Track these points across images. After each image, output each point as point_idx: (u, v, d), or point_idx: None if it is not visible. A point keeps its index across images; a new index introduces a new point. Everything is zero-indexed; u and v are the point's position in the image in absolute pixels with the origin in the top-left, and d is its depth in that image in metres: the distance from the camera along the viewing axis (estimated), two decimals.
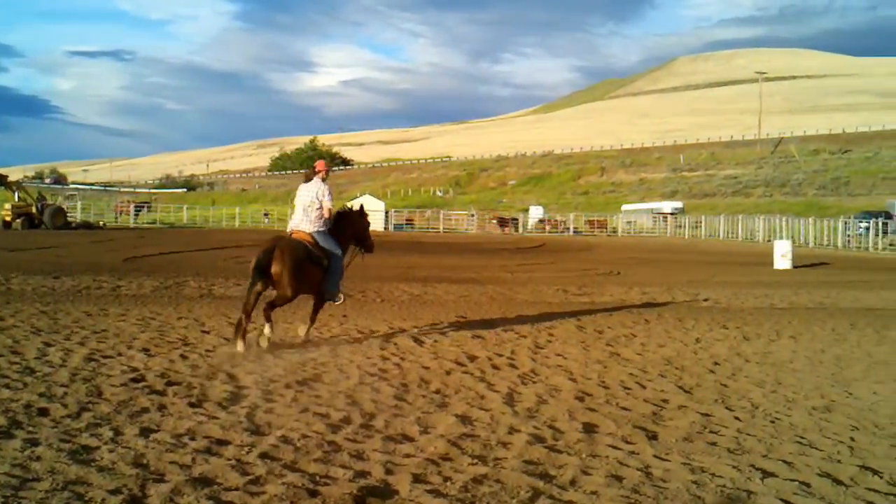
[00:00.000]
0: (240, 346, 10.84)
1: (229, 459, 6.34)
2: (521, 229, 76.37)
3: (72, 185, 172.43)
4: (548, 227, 76.78)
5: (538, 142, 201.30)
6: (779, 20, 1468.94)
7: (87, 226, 59.32)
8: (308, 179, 12.25)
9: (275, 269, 11.11)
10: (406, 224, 78.71)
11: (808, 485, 6.28)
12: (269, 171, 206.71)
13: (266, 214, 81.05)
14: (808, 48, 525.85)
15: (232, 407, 7.94)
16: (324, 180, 12.14)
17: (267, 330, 11.29)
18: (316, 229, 11.84)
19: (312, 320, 12.33)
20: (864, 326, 15.50)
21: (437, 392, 8.95)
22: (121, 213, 75.41)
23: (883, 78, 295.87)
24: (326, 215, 11.97)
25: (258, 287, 11.28)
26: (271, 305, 11.41)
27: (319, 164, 12.47)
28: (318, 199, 11.89)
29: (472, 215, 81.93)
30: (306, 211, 11.92)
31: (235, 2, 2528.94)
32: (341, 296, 12.25)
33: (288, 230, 12.35)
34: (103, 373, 9.19)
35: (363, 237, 12.82)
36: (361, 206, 13.30)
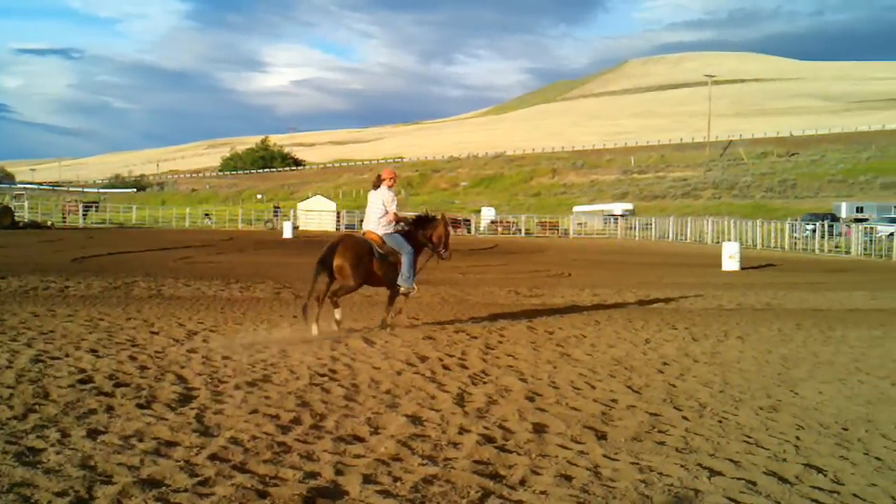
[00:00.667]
0: (314, 330, 12.51)
1: (178, 461, 6.27)
2: (473, 230, 76.46)
3: (19, 185, 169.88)
4: (500, 229, 76.95)
5: (490, 143, 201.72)
6: (727, 24, 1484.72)
7: (34, 225, 58.58)
8: (376, 187, 13.67)
9: (336, 262, 12.85)
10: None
11: (754, 483, 6.35)
12: (220, 171, 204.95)
13: (207, 215, 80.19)
14: (755, 52, 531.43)
15: (181, 408, 7.88)
16: (390, 188, 13.58)
17: (337, 314, 13.05)
18: (384, 231, 13.38)
19: (387, 309, 13.93)
20: (810, 327, 15.72)
21: (388, 392, 8.94)
22: (69, 213, 74.45)
23: (828, 82, 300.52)
24: (392, 219, 13.44)
25: (321, 278, 12.99)
26: (336, 293, 13.08)
27: (386, 173, 13.77)
28: (384, 205, 13.40)
29: None
30: (376, 215, 13.45)
31: (186, 1, 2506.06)
32: (415, 287, 13.66)
33: (362, 231, 13.99)
34: (50, 374, 9.06)
35: (439, 242, 14.01)
36: (443, 215, 14.59)
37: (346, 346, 11.77)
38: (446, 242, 14.02)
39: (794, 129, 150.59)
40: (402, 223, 13.74)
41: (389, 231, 13.40)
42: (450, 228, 14.17)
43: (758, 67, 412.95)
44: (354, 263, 12.85)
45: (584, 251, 49.09)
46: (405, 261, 13.33)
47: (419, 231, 13.80)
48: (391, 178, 13.70)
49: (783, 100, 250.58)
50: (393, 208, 13.43)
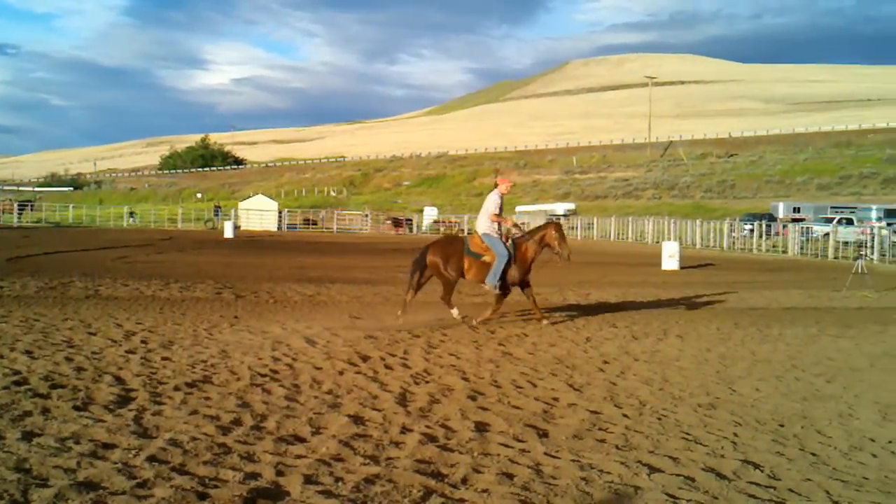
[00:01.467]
0: (400, 320, 14.31)
1: (116, 463, 6.20)
2: (416, 230, 76.40)
3: None
4: (442, 228, 76.94)
5: (433, 143, 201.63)
6: (668, 26, 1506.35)
7: None
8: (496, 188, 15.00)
9: (429, 260, 14.63)
10: (308, 224, 77.96)
11: (692, 479, 6.44)
12: (160, 169, 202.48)
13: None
14: (696, 54, 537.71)
15: (119, 410, 7.78)
16: (502, 195, 14.82)
17: (455, 312, 14.64)
18: (483, 231, 14.62)
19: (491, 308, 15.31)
20: (748, 325, 15.94)
21: (330, 393, 8.91)
22: (3, 212, 73.17)
23: (767, 84, 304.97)
24: (492, 220, 14.57)
25: (416, 275, 14.80)
26: (443, 295, 14.74)
27: (501, 179, 15.16)
28: (487, 208, 14.64)
29: (367, 216, 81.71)
30: (483, 216, 14.72)
31: None
32: (496, 286, 14.63)
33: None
34: None
35: (553, 243, 14.89)
36: (553, 220, 16.78)
37: (288, 347, 11.71)
38: (561, 243, 14.81)
39: (733, 131, 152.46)
40: (515, 229, 15.23)
41: (489, 232, 14.57)
42: (562, 231, 15.01)
43: (698, 69, 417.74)
44: (444, 260, 14.46)
45: None
46: (496, 262, 14.36)
47: (532, 237, 14.89)
48: (505, 185, 15.01)
49: (723, 101, 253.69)
50: (492, 210, 14.61)
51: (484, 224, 14.64)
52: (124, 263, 27.19)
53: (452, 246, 14.92)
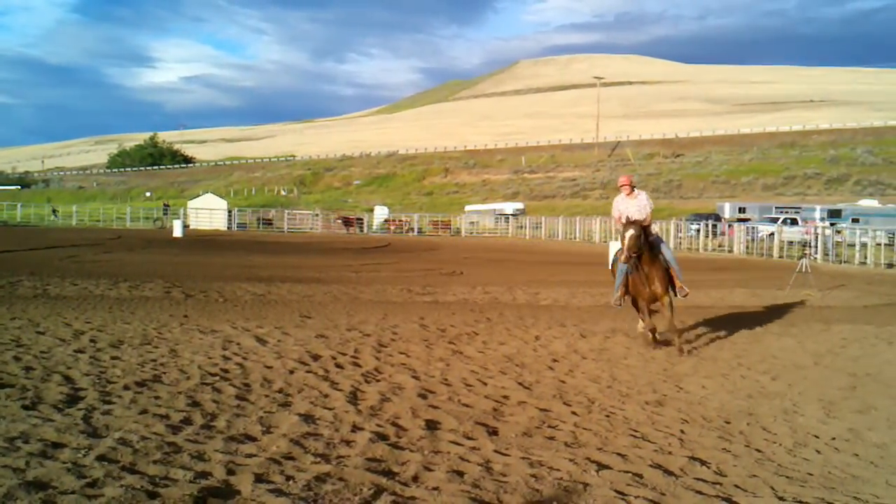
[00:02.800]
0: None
1: (65, 462, 6.15)
2: (366, 229, 76.21)
3: None
4: (392, 227, 76.86)
5: (383, 142, 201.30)
6: (615, 27, 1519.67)
7: None
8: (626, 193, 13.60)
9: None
10: (264, 223, 77.35)
11: (640, 476, 6.52)
12: (108, 168, 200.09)
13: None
14: (642, 55, 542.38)
15: (68, 409, 7.71)
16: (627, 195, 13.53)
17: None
18: None
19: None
20: (695, 324, 16.11)
21: (280, 391, 8.90)
22: None
23: (712, 85, 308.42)
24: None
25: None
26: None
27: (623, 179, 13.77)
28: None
29: (317, 215, 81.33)
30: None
31: None
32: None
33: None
34: None
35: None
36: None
37: (238, 346, 11.67)
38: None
39: (679, 131, 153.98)
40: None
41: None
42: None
43: (645, 70, 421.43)
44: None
45: (475, 250, 49.34)
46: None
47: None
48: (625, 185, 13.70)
49: (669, 102, 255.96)
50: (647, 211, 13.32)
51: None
52: (73, 262, 26.85)
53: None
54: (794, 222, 56.33)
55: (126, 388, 8.67)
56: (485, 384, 9.75)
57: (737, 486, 6.40)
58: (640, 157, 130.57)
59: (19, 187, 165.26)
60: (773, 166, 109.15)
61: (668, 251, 13.50)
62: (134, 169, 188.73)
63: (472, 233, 78.20)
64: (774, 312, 18.75)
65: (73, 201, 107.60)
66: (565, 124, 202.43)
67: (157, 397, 8.35)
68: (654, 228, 13.41)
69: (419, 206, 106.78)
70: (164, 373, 9.55)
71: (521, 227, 79.09)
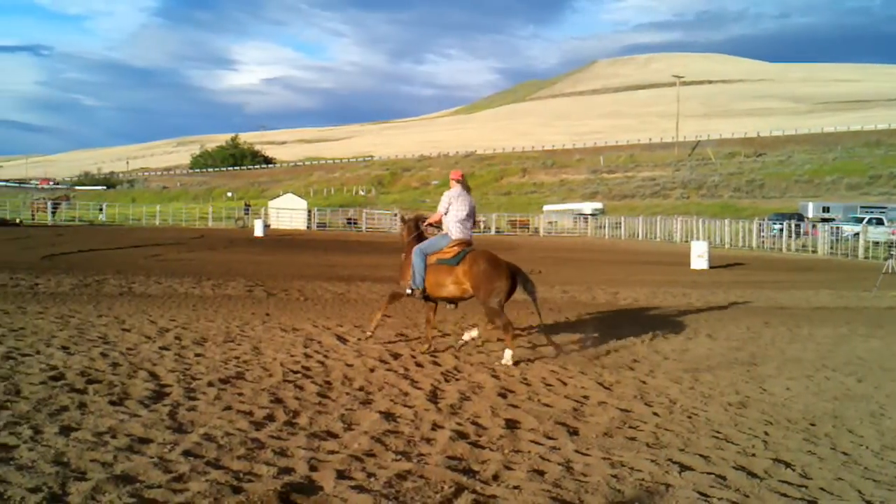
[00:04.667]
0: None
1: (152, 457, 6.24)
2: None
3: None
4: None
5: (460, 142, 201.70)
6: (694, 26, 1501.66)
7: (2, 223, 57.79)
8: None
9: None
10: (349, 223, 77.98)
11: (723, 478, 6.41)
12: (191, 168, 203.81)
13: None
14: (722, 53, 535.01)
15: (154, 405, 7.83)
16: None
17: None
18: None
19: None
20: (778, 325, 15.84)
21: (361, 389, 8.93)
22: (38, 211, 73.76)
23: (794, 83, 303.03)
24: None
25: None
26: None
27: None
28: None
29: (395, 215, 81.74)
30: None
31: None
32: None
33: None
34: (21, 371, 8.97)
35: None
36: None
37: (320, 344, 11.75)
38: None
39: (761, 130, 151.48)
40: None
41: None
42: None
43: (725, 69, 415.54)
44: None
45: (554, 249, 49.15)
46: None
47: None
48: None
49: (750, 101, 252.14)
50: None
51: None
52: (157, 261, 27.35)
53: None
54: (879, 222, 55.04)
55: (210, 384, 8.79)
56: (564, 384, 9.68)
57: (822, 490, 6.26)
58: (721, 157, 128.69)
59: (105, 187, 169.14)
60: (857, 165, 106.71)
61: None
62: (216, 169, 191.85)
63: (550, 232, 77.94)
64: (860, 314, 18.36)
65: (156, 201, 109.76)
66: (644, 124, 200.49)
67: (240, 394, 8.45)
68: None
69: (497, 205, 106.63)
70: (248, 370, 9.65)
71: (600, 226, 78.63)
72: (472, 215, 11.99)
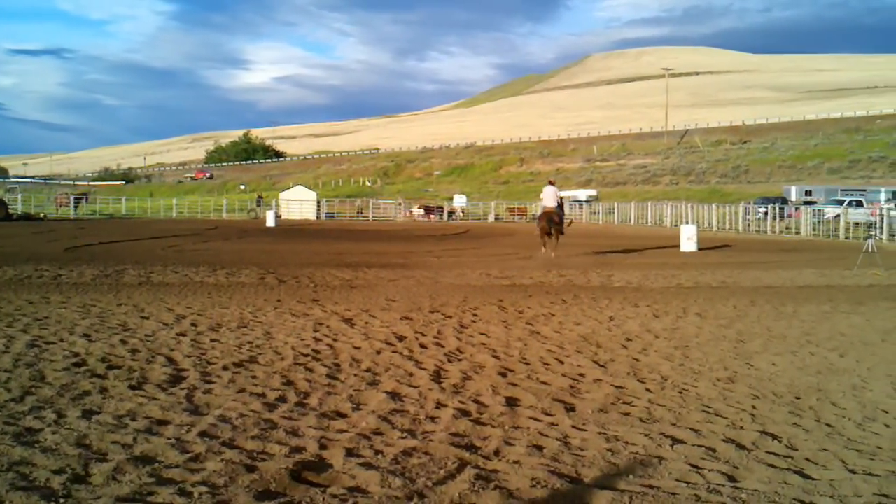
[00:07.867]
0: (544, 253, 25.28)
1: (169, 438, 6.23)
2: (446, 217, 76.34)
3: (13, 179, 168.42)
4: (460, 214, 77.18)
5: (461, 134, 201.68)
6: (683, 20, 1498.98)
7: (27, 217, 57.85)
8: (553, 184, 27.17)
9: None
10: (358, 214, 77.93)
11: (713, 450, 6.39)
12: (205, 163, 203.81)
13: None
14: (709, 46, 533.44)
15: (171, 389, 7.82)
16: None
17: None
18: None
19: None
20: (764, 303, 15.79)
21: (368, 371, 8.92)
22: (61, 205, 73.87)
23: (777, 74, 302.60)
24: None
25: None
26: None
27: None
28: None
29: (400, 204, 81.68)
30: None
31: (172, 2, 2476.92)
32: None
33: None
34: (46, 358, 8.98)
35: None
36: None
37: (328, 328, 11.73)
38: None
39: (746, 119, 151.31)
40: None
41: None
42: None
43: (712, 61, 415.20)
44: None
45: None
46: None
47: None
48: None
49: (736, 91, 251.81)
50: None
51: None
52: (174, 252, 27.35)
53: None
54: (859, 204, 55.01)
55: (225, 368, 8.78)
56: (561, 363, 9.66)
57: (808, 460, 6.24)
58: (709, 144, 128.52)
59: (124, 182, 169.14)
60: (838, 150, 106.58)
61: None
62: (229, 164, 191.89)
63: None
64: (842, 292, 18.30)
65: (173, 195, 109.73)
66: (636, 114, 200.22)
67: (253, 377, 8.44)
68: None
69: (496, 194, 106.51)
70: (260, 354, 9.64)
71: (595, 212, 78.59)
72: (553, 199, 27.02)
